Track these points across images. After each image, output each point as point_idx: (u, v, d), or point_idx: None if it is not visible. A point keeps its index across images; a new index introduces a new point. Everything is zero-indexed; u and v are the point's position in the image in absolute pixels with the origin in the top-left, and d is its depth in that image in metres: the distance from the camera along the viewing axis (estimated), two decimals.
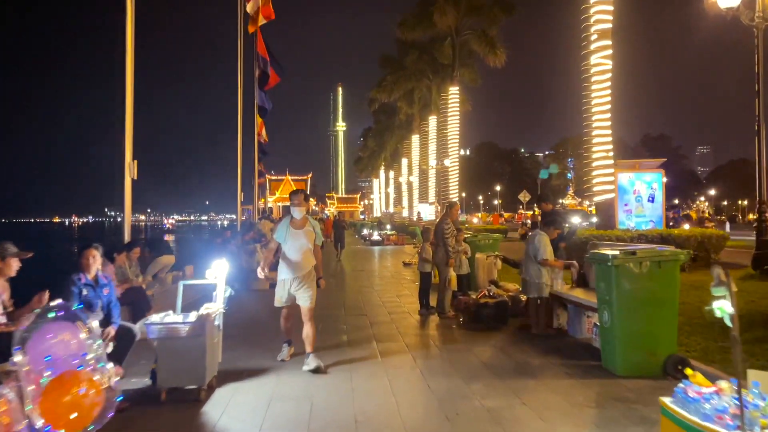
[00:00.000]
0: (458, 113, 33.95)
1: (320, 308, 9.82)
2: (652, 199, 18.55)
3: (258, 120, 35.40)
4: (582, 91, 16.13)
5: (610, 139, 15.90)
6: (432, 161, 40.04)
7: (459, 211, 9.62)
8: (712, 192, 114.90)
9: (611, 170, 16.12)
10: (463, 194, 74.45)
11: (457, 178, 34.72)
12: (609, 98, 15.77)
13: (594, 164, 16.16)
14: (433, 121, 41.38)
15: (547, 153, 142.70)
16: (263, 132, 38.67)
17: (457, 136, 34.04)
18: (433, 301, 9.44)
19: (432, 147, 41.22)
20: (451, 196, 34.91)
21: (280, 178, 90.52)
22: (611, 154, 15.99)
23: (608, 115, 15.80)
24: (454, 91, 33.89)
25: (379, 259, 21.70)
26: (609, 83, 15.71)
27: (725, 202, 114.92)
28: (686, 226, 26.81)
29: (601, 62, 15.62)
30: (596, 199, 16.33)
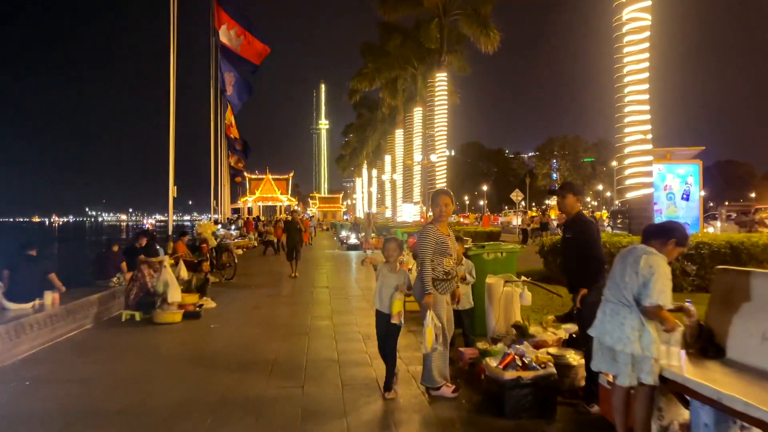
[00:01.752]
0: (446, 103, 30.01)
1: (226, 371, 5.76)
2: (686, 197, 14.84)
3: (228, 113, 31.39)
4: (614, 54, 12.24)
5: (648, 117, 12.02)
6: (417, 156, 36.09)
7: (450, 205, 5.36)
8: (702, 193, 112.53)
9: (649, 158, 12.29)
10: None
11: (445, 175, 30.75)
12: (647, 63, 11.90)
13: (627, 150, 12.27)
14: (418, 113, 37.43)
15: (531, 154, 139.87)
16: (233, 125, 34.47)
17: (445, 129, 30.10)
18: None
19: (417, 141, 37.26)
20: None
21: (260, 177, 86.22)
22: (650, 136, 12.11)
23: (646, 86, 11.93)
24: (441, 78, 29.92)
25: (353, 269, 17.70)
26: (647, 44, 11.86)
27: (711, 203, 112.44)
28: (710, 230, 23.20)
29: (637, 16, 11.77)
30: (630, 195, 12.44)
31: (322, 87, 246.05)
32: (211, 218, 22.39)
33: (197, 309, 9.16)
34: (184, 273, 10.06)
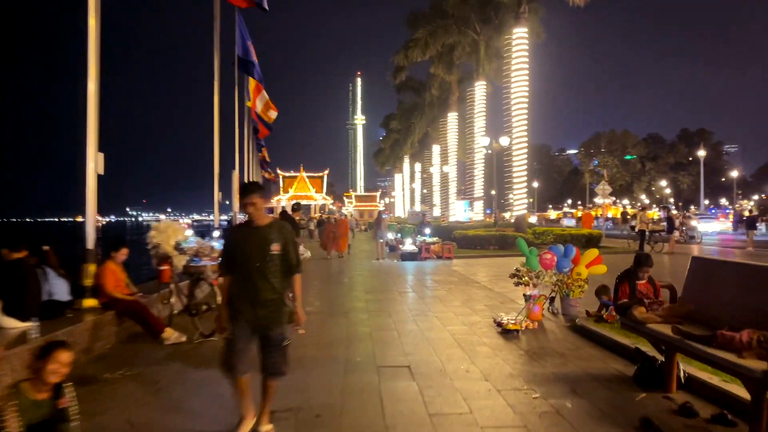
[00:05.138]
0: (527, 67, 22.53)
1: None
2: None
3: (251, 84, 24.72)
4: None
5: None
6: (483, 140, 28.54)
7: None
8: (759, 191, 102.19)
9: None
10: (492, 192, 62.61)
11: (525, 163, 23.24)
12: None
13: None
14: (480, 88, 29.93)
15: (575, 151, 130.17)
16: (259, 103, 27.61)
17: (526, 101, 22.62)
18: None
19: (480, 123, 29.77)
20: (515, 191, 23.50)
21: (294, 174, 80.00)
22: None
23: None
24: (520, 35, 22.43)
25: (418, 302, 10.43)
26: None
27: None
28: None
29: None
30: None
31: (359, 81, 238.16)
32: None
33: None
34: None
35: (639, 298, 4.98)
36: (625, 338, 6.30)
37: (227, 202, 20.79)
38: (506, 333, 7.19)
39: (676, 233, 19.16)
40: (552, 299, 8.57)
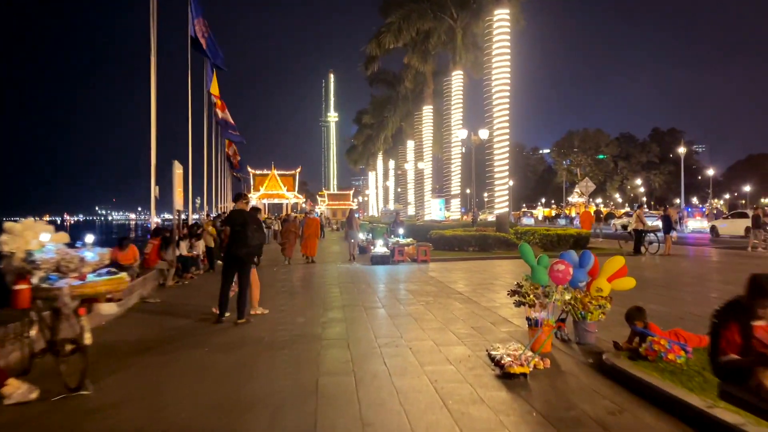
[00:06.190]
0: (508, 52, 20.54)
1: None
2: None
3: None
4: None
5: None
6: (461, 133, 26.42)
7: None
8: (729, 190, 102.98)
9: None
10: (467, 191, 61.01)
11: (507, 159, 21.27)
12: None
13: None
14: (458, 78, 27.82)
15: (547, 150, 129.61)
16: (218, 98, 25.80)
17: (507, 89, 20.63)
18: None
19: (457, 116, 27.67)
20: (496, 188, 21.51)
21: (265, 172, 77.20)
22: None
23: None
24: (501, 16, 20.45)
25: (387, 324, 8.28)
26: None
27: (743, 201, 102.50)
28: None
29: None
30: None
31: (331, 77, 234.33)
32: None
33: None
34: None
35: (762, 354, 2.86)
36: (689, 394, 4.22)
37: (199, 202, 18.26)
38: (508, 378, 5.05)
39: (674, 233, 17.39)
40: (563, 321, 6.50)
